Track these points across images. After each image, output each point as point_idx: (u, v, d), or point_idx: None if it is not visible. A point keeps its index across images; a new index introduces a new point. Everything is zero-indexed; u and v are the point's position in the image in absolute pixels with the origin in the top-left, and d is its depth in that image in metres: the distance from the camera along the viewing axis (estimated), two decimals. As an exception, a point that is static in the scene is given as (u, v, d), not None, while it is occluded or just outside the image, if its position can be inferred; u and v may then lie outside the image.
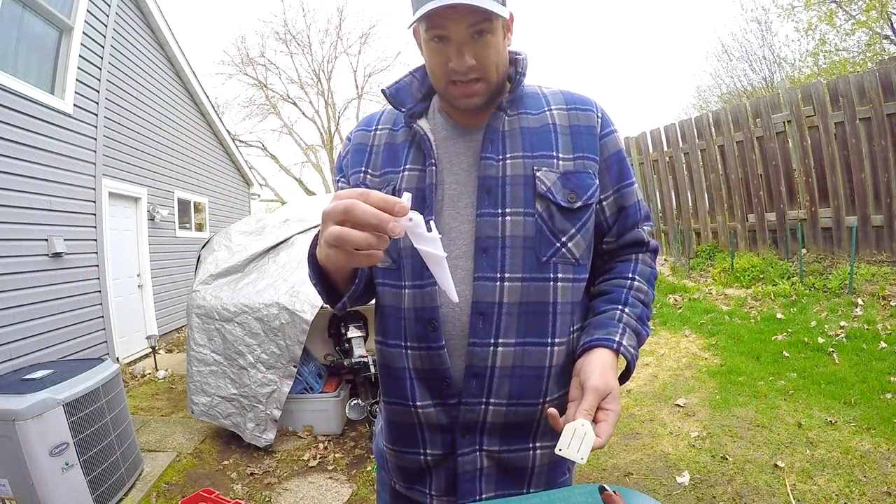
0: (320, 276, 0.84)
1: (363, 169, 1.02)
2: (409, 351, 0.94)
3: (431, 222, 0.65)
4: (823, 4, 12.32)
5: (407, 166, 0.97)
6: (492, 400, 0.90)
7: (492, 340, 0.88)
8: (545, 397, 0.92)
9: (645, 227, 1.05)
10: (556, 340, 0.91)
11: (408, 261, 0.93)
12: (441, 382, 0.91)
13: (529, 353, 0.90)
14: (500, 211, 0.91)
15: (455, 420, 0.92)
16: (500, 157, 0.93)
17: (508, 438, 0.93)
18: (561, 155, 0.95)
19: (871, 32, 12.04)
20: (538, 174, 0.92)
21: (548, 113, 0.99)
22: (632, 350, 0.89)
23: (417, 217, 0.62)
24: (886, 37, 12.07)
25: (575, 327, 0.95)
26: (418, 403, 0.93)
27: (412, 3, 0.87)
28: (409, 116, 0.98)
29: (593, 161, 0.97)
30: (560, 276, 0.91)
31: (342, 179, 1.08)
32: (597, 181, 0.97)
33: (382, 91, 1.02)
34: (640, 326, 0.94)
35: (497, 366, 0.89)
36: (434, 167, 0.94)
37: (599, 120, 1.00)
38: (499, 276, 0.89)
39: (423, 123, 0.97)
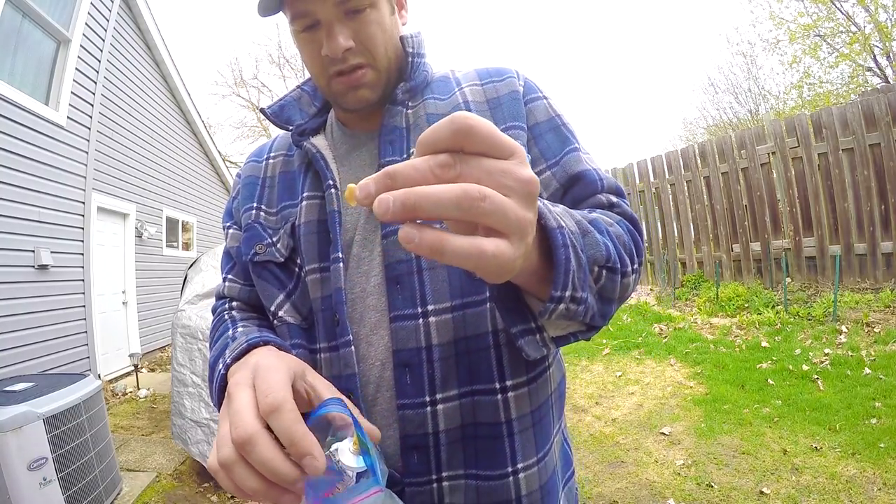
0: None
1: (255, 204, 0.84)
2: None
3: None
4: (808, 38, 12.69)
5: (305, 195, 0.78)
6: (444, 474, 0.68)
7: (426, 398, 0.67)
8: (514, 463, 0.69)
9: (611, 198, 0.73)
10: (509, 383, 0.68)
11: (319, 315, 0.73)
12: None
13: (480, 405, 0.68)
14: None
15: None
16: (404, 155, 0.74)
17: None
18: None
19: (854, 65, 12.39)
20: None
21: (458, 93, 0.80)
22: (560, 219, 0.48)
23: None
24: (869, 69, 12.44)
25: (537, 369, 0.72)
26: None
27: None
28: (299, 134, 0.81)
29: (521, 130, 0.76)
30: None
31: (231, 227, 0.88)
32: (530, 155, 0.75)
33: (261, 110, 0.84)
34: (589, 226, 0.55)
35: (441, 430, 0.67)
36: (334, 189, 0.74)
37: (522, 86, 0.81)
38: (420, 310, 0.68)
39: (317, 141, 0.79)
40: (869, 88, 10.07)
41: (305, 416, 0.49)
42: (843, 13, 12.20)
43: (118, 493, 3.20)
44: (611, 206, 0.72)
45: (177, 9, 44.24)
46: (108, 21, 5.74)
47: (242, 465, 0.45)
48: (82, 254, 5.13)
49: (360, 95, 0.73)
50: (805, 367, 4.52)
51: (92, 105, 5.39)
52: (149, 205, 7.69)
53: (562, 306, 0.47)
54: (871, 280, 5.90)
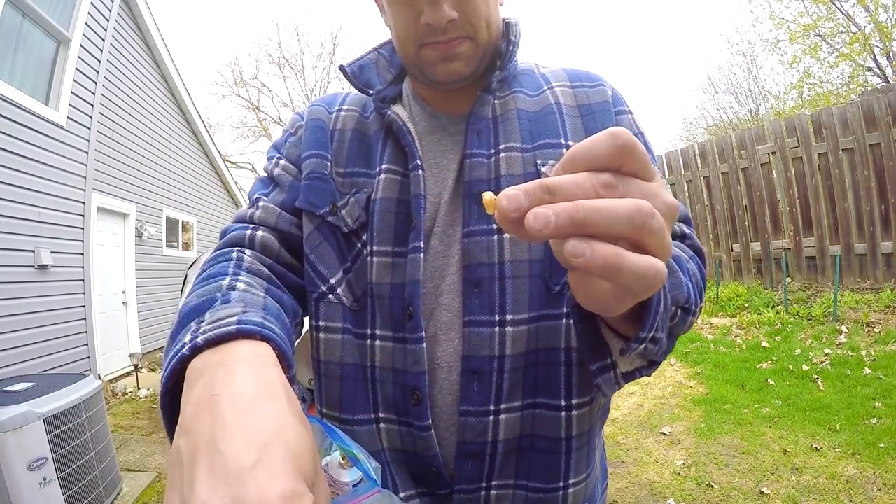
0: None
1: (327, 155, 0.76)
2: (382, 425, 0.68)
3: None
4: (808, 38, 12.68)
5: (384, 166, 0.72)
6: (494, 482, 0.66)
7: (490, 407, 0.64)
8: (566, 479, 0.68)
9: (684, 228, 0.72)
10: (574, 402, 0.66)
11: (382, 302, 0.68)
12: (427, 470, 0.66)
13: (541, 418, 0.66)
14: (494, 226, 0.66)
15: None
16: (491, 150, 0.70)
17: None
18: (571, 143, 0.69)
19: (854, 65, 12.39)
20: (544, 171, 0.68)
21: (549, 92, 0.76)
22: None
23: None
24: (869, 69, 12.43)
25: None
26: (400, 496, 0.66)
27: None
28: (381, 101, 0.74)
29: None
30: None
31: (281, 159, 0.79)
32: None
33: (341, 68, 0.78)
34: (674, 264, 0.55)
35: (500, 439, 0.65)
36: (421, 171, 0.69)
37: (611, 96, 0.78)
38: (497, 318, 0.65)
39: (399, 111, 0.73)
40: (869, 88, 10.06)
41: None
42: (843, 13, 12.20)
43: (118, 493, 3.20)
44: (683, 237, 0.71)
45: (177, 9, 44.24)
46: (108, 21, 5.73)
47: None
48: (82, 254, 5.12)
49: (454, 68, 0.68)
50: (805, 367, 4.53)
51: (92, 105, 5.38)
52: (149, 205, 7.68)
53: (642, 346, 0.46)
54: (871, 280, 5.90)
